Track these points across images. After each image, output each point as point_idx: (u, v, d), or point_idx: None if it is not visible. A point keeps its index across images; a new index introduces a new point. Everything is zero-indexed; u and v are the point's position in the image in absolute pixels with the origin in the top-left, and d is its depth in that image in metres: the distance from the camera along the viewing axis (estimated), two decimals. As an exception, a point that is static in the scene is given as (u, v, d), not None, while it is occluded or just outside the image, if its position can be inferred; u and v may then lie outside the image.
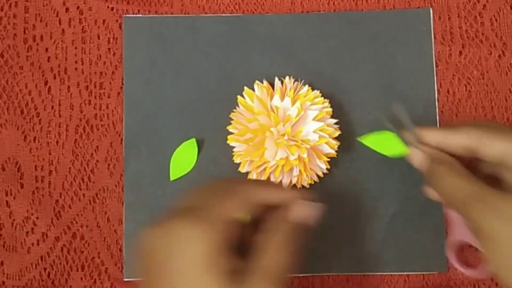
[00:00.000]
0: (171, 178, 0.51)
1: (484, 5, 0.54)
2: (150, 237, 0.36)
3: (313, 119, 0.47)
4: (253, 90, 0.49)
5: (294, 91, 0.49)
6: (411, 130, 0.43)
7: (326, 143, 0.47)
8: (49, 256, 0.51)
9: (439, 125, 0.52)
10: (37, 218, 0.51)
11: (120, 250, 0.51)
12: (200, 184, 0.39)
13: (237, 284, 0.34)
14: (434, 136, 0.42)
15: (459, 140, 0.41)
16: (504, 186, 0.40)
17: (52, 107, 0.52)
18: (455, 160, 0.41)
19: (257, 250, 0.37)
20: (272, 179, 0.48)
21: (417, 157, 0.43)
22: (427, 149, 0.42)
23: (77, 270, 0.51)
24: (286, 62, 0.52)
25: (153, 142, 0.51)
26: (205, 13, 0.53)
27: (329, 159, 0.49)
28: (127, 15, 0.53)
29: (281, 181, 0.47)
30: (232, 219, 0.36)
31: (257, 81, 0.50)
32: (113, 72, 0.53)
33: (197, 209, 0.36)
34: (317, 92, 0.49)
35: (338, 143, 0.49)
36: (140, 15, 0.53)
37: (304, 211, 0.41)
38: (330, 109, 0.49)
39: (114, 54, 0.53)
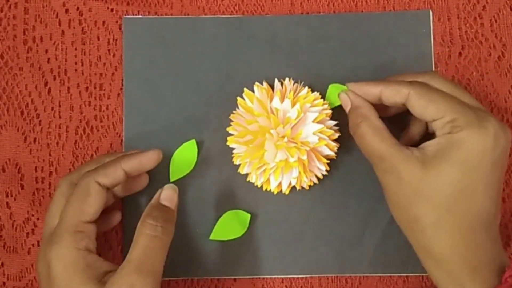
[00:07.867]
0: (171, 179, 0.51)
1: (484, 6, 0.53)
2: (36, 263, 0.44)
3: (313, 121, 0.47)
4: (253, 91, 0.49)
5: (294, 92, 0.48)
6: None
7: (326, 145, 0.48)
8: (49, 257, 0.51)
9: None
10: (38, 219, 0.51)
11: (120, 250, 0.51)
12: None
13: (105, 284, 0.40)
14: (370, 89, 0.45)
15: (390, 98, 0.44)
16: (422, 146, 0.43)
17: (52, 108, 0.53)
18: (374, 114, 0.44)
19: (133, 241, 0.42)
20: (271, 180, 0.48)
21: (343, 102, 0.46)
22: (352, 94, 0.45)
23: (78, 271, 0.51)
24: (286, 63, 0.52)
25: (153, 143, 0.52)
26: (205, 14, 0.53)
27: (328, 161, 0.49)
28: (127, 16, 0.53)
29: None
30: (83, 222, 0.43)
31: (256, 83, 0.50)
32: (113, 73, 0.53)
33: (51, 233, 0.43)
34: (317, 94, 0.49)
35: (338, 145, 0.49)
36: (140, 16, 0.53)
37: (169, 194, 0.45)
38: (329, 111, 0.49)
39: (114, 55, 0.53)
